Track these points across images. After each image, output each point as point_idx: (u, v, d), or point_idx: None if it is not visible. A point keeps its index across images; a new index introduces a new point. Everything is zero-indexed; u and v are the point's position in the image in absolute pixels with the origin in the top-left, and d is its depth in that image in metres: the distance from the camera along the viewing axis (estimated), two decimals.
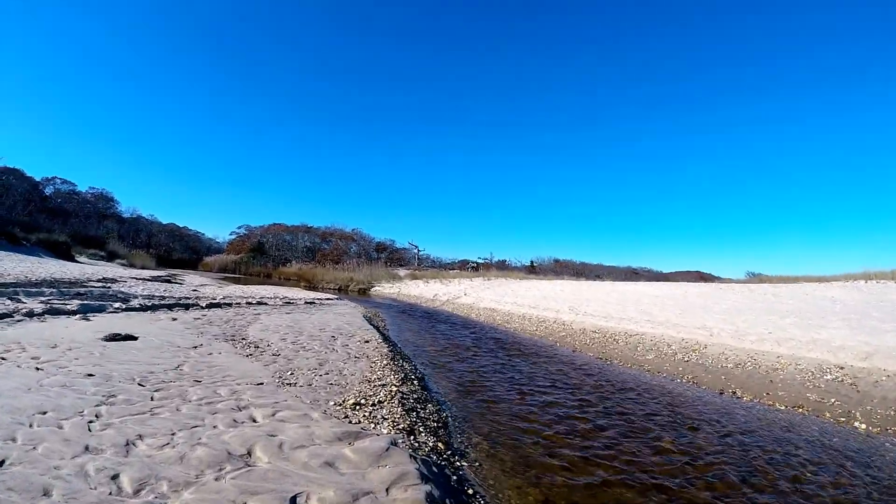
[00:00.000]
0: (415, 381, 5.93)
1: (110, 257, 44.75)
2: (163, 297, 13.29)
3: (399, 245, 64.74)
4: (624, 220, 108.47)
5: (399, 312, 17.96)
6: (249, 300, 13.90)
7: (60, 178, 62.22)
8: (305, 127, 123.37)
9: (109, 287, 15.02)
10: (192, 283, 24.04)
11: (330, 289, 33.76)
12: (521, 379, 7.58)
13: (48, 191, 59.49)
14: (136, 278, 20.34)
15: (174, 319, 9.47)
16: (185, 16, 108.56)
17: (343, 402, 4.40)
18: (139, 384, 4.73)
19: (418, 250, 58.38)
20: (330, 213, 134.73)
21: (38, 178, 56.51)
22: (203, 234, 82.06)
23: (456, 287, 27.04)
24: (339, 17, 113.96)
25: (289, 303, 14.54)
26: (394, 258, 58.39)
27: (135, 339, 7.07)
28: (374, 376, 5.59)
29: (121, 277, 19.16)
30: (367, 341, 8.12)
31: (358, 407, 4.27)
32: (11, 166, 51.13)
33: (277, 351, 6.80)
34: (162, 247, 68.00)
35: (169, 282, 20.98)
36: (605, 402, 6.49)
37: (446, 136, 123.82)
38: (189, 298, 13.74)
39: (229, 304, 12.72)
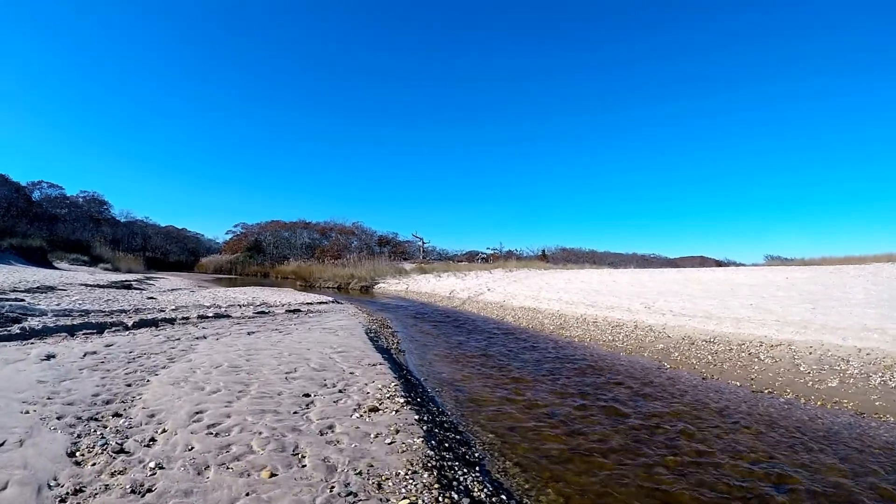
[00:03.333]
0: None
1: (94, 262, 41.76)
2: (86, 313, 9.38)
3: (402, 238, 60.73)
4: (617, 207, 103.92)
5: (413, 318, 13.94)
6: (206, 313, 9.89)
7: (47, 182, 59.64)
8: (303, 119, 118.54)
9: (24, 300, 11.11)
10: (162, 287, 20.12)
11: (328, 287, 29.74)
12: None
13: (35, 196, 56.42)
14: (88, 285, 16.38)
15: (46, 358, 5.55)
16: (173, 8, 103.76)
17: None
18: None
19: (423, 242, 54.10)
20: (329, 207, 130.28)
21: (24, 183, 53.67)
22: (203, 236, 79.51)
23: (474, 281, 22.99)
24: (330, 9, 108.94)
25: (262, 313, 10.51)
26: (397, 252, 54.23)
27: None
28: None
29: (64, 285, 15.20)
30: (374, 409, 3.96)
31: None
32: None
33: (151, 475, 2.77)
34: (158, 249, 65.85)
35: (129, 287, 17.04)
36: None
37: (447, 126, 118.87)
38: (125, 312, 9.82)
39: (171, 321, 8.74)
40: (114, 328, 7.96)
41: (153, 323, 8.52)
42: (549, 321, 12.06)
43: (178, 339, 7.17)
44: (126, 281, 19.46)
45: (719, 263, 44.55)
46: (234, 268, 57.12)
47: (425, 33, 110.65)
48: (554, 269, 24.49)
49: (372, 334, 8.72)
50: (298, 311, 11.26)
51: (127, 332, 7.64)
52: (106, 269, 38.16)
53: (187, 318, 9.07)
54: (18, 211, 47.46)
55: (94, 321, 8.26)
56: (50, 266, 32.25)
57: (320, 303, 14.11)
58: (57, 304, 10.52)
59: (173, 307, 10.92)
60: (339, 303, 15.14)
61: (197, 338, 7.22)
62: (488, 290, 19.08)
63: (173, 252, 67.50)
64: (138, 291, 16.10)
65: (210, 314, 9.50)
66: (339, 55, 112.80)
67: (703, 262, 48.01)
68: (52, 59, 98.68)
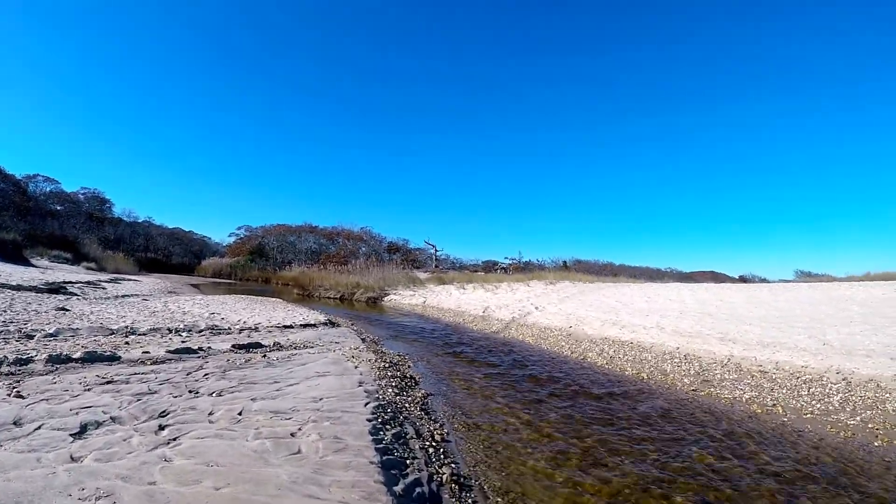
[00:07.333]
0: None
1: (77, 260, 38.60)
2: None
3: (413, 245, 56.27)
4: (623, 218, 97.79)
5: (446, 353, 9.25)
6: (75, 353, 5.40)
7: (43, 176, 56.11)
8: (312, 122, 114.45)
9: None
10: (117, 292, 15.72)
11: (329, 298, 25.22)
12: None
13: (31, 190, 53.35)
14: (7, 286, 12.07)
15: None
16: (179, 6, 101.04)
17: None
18: None
19: (436, 250, 49.49)
20: (337, 212, 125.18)
21: (19, 176, 50.56)
22: (210, 239, 76.59)
23: (511, 296, 18.33)
24: (341, 11, 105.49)
25: (187, 351, 5.94)
26: (409, 259, 49.63)
27: None
28: None
29: None
30: None
31: None
32: None
33: None
34: (161, 251, 63.60)
35: (56, 292, 12.67)
36: None
37: (457, 135, 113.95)
38: None
39: None
40: None
41: None
42: (674, 368, 7.41)
43: None
44: (65, 283, 15.08)
45: (743, 279, 39.73)
46: (233, 272, 53.31)
47: (428, 38, 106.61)
48: (612, 283, 19.74)
49: (387, 434, 4.04)
50: (258, 346, 6.62)
51: None
52: (89, 269, 34.87)
53: (27, 361, 4.59)
54: (13, 205, 44.36)
55: None
56: (24, 262, 28.81)
57: (305, 325, 9.58)
58: None
59: (53, 331, 6.47)
60: (334, 325, 10.60)
61: None
62: (535, 308, 14.43)
63: (177, 254, 65.22)
64: (65, 298, 11.74)
65: (77, 355, 4.97)
66: (347, 56, 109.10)
67: (714, 277, 43.14)
68: (59, 54, 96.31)
